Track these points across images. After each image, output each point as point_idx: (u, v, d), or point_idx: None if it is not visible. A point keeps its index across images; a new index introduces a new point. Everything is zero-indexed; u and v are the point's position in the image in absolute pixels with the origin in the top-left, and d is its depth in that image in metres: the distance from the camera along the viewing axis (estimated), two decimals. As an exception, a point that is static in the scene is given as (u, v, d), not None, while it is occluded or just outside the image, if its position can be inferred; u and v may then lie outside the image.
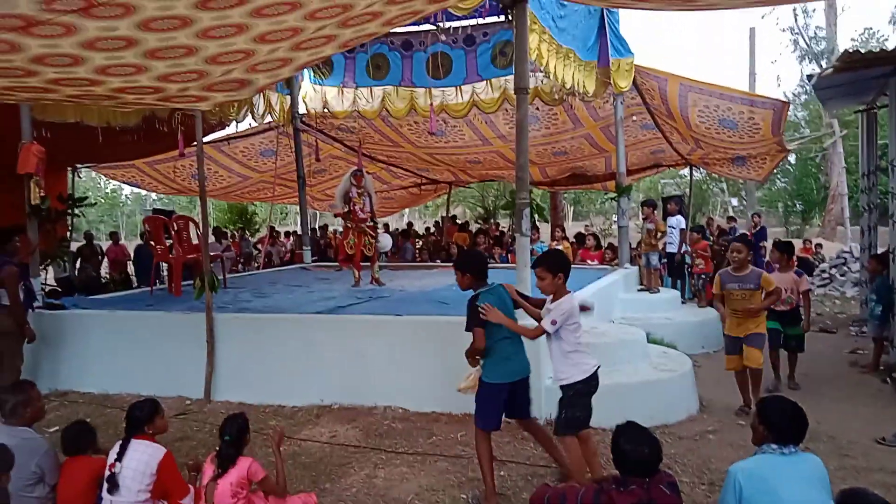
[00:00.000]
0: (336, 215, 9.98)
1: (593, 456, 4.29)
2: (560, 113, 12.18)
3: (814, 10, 27.66)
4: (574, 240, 14.14)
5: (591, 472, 4.15)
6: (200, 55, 4.36)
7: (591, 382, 4.21)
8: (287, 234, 20.33)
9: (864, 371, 7.83)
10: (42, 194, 7.64)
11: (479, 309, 4.25)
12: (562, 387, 4.22)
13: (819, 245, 18.12)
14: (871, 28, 52.91)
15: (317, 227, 21.05)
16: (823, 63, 25.40)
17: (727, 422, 5.94)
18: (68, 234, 11.05)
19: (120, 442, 3.72)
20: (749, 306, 6.16)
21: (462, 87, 10.94)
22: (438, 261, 14.59)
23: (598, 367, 4.27)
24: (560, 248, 12.57)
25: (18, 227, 7.40)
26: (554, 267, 4.21)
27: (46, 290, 8.95)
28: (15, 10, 3.26)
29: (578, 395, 4.19)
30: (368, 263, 9.48)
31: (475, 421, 4.40)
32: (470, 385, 4.45)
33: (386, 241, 10.11)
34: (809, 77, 9.56)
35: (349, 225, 9.22)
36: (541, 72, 8.28)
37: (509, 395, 4.34)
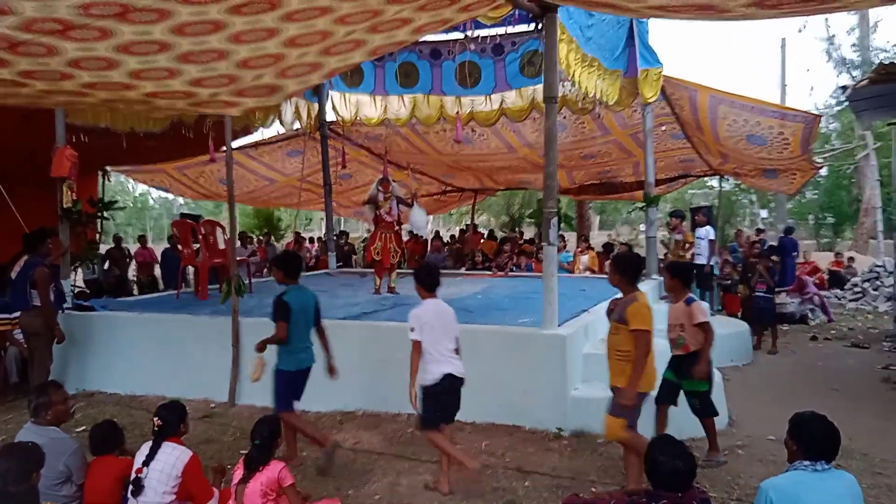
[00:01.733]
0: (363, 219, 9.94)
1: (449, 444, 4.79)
2: (588, 122, 12.14)
3: (852, 28, 27.23)
4: (602, 249, 14.03)
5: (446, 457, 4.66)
6: (231, 59, 4.40)
7: (438, 387, 4.59)
8: (311, 239, 20.44)
9: (898, 388, 7.67)
10: (74, 197, 7.76)
11: (286, 304, 5.04)
12: (420, 387, 4.65)
13: (851, 258, 17.81)
14: (905, 39, 52.08)
15: (340, 231, 21.13)
16: (857, 74, 25.02)
17: (756, 436, 5.83)
18: (98, 236, 11.21)
19: (150, 444, 3.74)
20: (617, 348, 4.65)
21: (491, 95, 10.94)
22: (463, 269, 14.56)
23: (454, 375, 4.63)
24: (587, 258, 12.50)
25: (50, 229, 7.53)
26: (420, 279, 4.82)
27: (75, 291, 9.07)
28: (53, 14, 3.31)
29: (427, 397, 4.63)
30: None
31: (275, 407, 5.08)
32: (257, 373, 5.08)
33: (420, 217, 9.79)
34: (843, 88, 9.42)
35: (378, 230, 9.24)
36: (569, 81, 8.24)
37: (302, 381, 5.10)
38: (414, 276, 4.98)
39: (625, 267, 4.63)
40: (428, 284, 4.80)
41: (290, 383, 5.14)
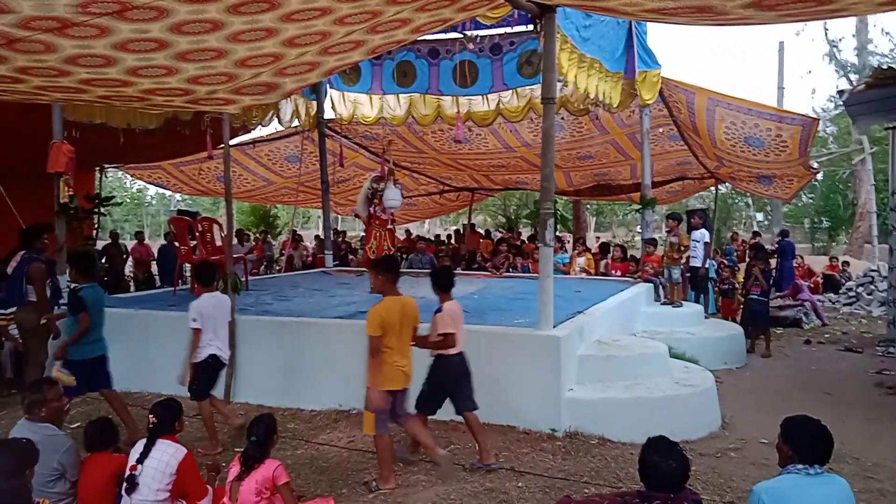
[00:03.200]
0: (358, 217, 9.86)
1: (210, 419, 5.62)
2: (585, 122, 12.15)
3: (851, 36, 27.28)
4: (598, 250, 14.06)
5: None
6: (230, 58, 4.41)
7: (205, 364, 5.58)
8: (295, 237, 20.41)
9: (891, 392, 7.69)
10: (71, 193, 7.74)
11: (81, 299, 5.52)
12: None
13: (846, 263, 17.86)
14: (903, 44, 52.06)
15: (338, 229, 21.13)
16: (854, 79, 25.09)
17: (749, 439, 5.85)
18: (94, 232, 11.19)
19: (144, 441, 3.74)
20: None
21: (488, 95, 10.96)
22: (458, 269, 14.57)
23: (218, 355, 5.63)
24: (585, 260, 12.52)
25: (47, 224, 7.51)
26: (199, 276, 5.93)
27: (71, 287, 9.04)
28: (52, 13, 3.31)
29: (196, 372, 5.55)
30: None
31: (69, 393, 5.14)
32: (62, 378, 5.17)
33: (394, 195, 9.22)
34: (840, 93, 9.44)
35: (372, 228, 9.22)
36: (560, 81, 8.26)
37: (90, 369, 5.54)
38: (193, 274, 6.02)
39: (383, 269, 4.87)
40: (203, 281, 5.86)
41: (82, 371, 5.47)
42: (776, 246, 14.88)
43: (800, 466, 2.96)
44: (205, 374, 5.59)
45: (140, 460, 3.66)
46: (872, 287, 15.19)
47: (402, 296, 4.82)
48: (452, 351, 5.00)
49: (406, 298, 4.82)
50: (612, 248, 13.65)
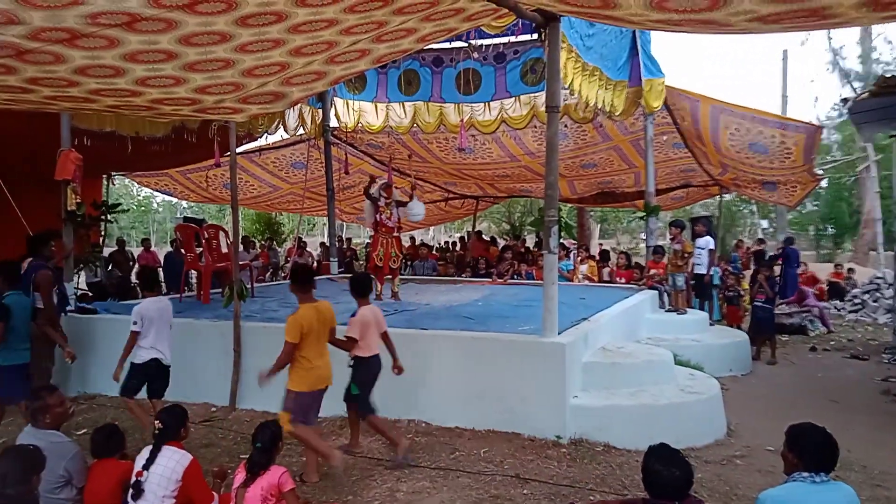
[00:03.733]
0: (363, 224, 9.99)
1: (144, 414, 5.72)
2: (589, 129, 12.17)
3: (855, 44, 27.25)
4: (598, 257, 14.07)
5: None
6: (237, 68, 4.45)
7: (146, 366, 5.75)
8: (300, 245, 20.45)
9: (897, 400, 7.67)
10: (78, 200, 7.80)
11: (6, 307, 5.62)
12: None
13: (851, 270, 17.82)
14: (907, 52, 51.97)
15: (343, 237, 21.15)
16: (858, 87, 25.07)
17: (755, 447, 5.84)
18: (101, 239, 11.24)
19: (150, 448, 3.76)
20: None
21: (490, 103, 10.99)
22: (464, 276, 14.59)
23: (158, 359, 5.79)
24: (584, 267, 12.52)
25: (54, 231, 7.56)
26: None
27: (78, 294, 9.10)
28: (62, 24, 3.35)
29: (133, 372, 5.75)
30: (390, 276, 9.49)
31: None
32: None
33: (418, 209, 9.97)
34: (844, 101, 9.45)
35: (378, 235, 9.26)
36: (565, 89, 8.29)
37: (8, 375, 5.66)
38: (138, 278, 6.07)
39: (296, 278, 5.17)
40: (147, 285, 6.13)
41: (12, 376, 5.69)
42: (780, 250, 14.89)
43: (805, 474, 2.96)
44: (141, 375, 5.79)
45: (146, 466, 3.67)
46: (878, 294, 15.15)
47: (317, 301, 5.07)
48: (368, 353, 5.36)
49: (321, 304, 5.08)
50: (617, 256, 13.66)
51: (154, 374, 5.83)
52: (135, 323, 5.68)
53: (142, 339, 5.72)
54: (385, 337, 5.54)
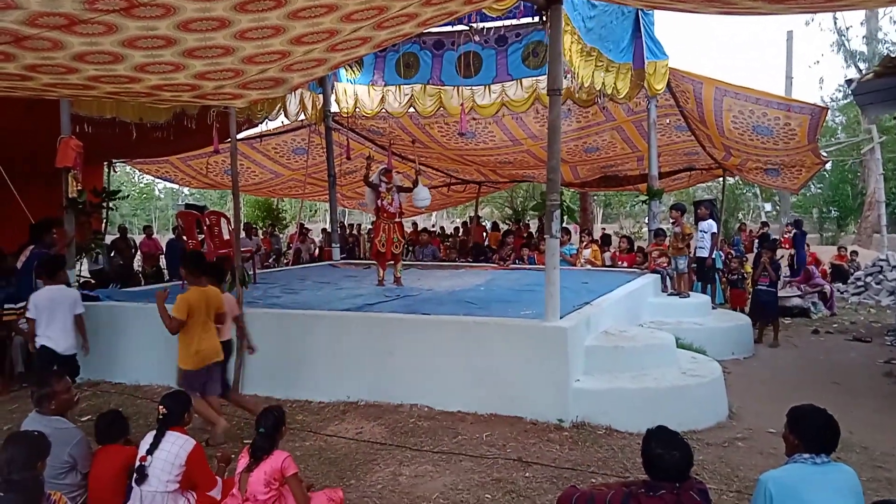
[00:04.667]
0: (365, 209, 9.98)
1: None
2: (593, 109, 12.03)
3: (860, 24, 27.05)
4: (600, 241, 14.06)
5: None
6: (237, 55, 4.43)
7: (38, 352, 5.95)
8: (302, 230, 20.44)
9: (899, 382, 7.68)
10: (79, 188, 7.79)
11: None
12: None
13: (854, 252, 17.78)
14: (912, 32, 51.57)
15: (345, 223, 21.14)
16: (863, 67, 24.89)
17: (756, 429, 5.85)
18: (103, 227, 11.25)
19: (154, 433, 3.78)
20: None
21: (491, 86, 10.90)
22: (467, 261, 14.59)
23: (49, 346, 5.90)
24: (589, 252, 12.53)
25: (55, 219, 7.56)
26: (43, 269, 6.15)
27: (80, 281, 9.12)
28: (59, 10, 3.33)
29: (32, 358, 6.02)
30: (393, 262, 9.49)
31: None
32: None
33: (424, 195, 10.02)
34: (849, 82, 9.37)
35: (380, 221, 9.25)
36: (572, 73, 8.25)
37: None
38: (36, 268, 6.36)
39: (186, 264, 5.73)
40: (47, 272, 6.09)
41: None
42: (792, 232, 15.04)
43: (806, 456, 2.97)
44: (37, 360, 6.03)
45: (150, 451, 3.70)
46: (881, 276, 15.13)
47: (207, 287, 5.52)
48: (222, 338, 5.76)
49: (210, 289, 5.53)
50: (619, 240, 13.65)
51: (48, 361, 5.92)
52: (28, 310, 6.00)
53: (36, 327, 5.94)
54: (237, 320, 6.06)
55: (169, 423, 3.82)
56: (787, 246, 15.97)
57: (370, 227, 21.20)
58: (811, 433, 3.00)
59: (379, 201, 9.15)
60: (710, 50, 76.41)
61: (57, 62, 4.20)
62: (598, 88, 8.90)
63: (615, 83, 9.19)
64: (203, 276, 5.54)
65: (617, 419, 5.69)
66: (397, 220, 9.35)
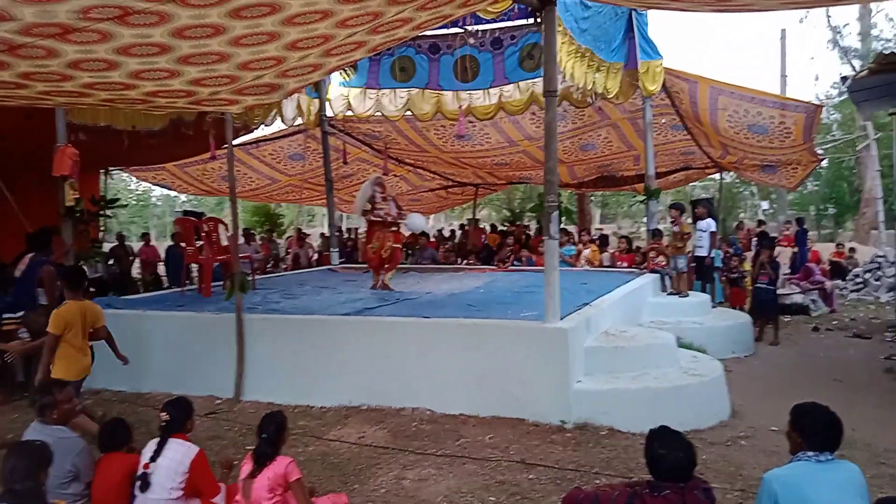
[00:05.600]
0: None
1: None
2: (588, 109, 12.08)
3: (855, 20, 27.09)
4: (598, 241, 14.06)
5: None
6: (232, 61, 4.42)
7: None
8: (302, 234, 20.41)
9: (900, 377, 7.68)
10: (76, 196, 7.77)
11: None
12: None
13: (853, 249, 17.81)
14: (906, 28, 51.61)
15: (343, 227, 21.11)
16: (858, 65, 24.92)
17: (759, 427, 5.85)
18: (101, 235, 11.23)
19: (157, 441, 3.77)
20: None
21: (489, 89, 10.93)
22: (465, 263, 14.58)
23: None
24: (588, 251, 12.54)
25: (53, 227, 7.54)
26: None
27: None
28: (53, 20, 3.33)
29: None
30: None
31: None
32: None
33: (418, 222, 9.94)
34: (844, 79, 9.40)
35: (374, 229, 9.19)
36: (563, 74, 8.26)
37: None
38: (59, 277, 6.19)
39: (62, 279, 5.74)
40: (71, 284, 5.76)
41: None
42: (796, 229, 15.48)
43: (810, 453, 2.96)
44: None
45: (153, 458, 3.68)
46: (880, 273, 15.16)
47: (83, 301, 5.57)
48: None
49: (86, 303, 5.60)
50: (618, 240, 13.66)
51: None
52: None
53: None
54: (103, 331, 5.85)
55: (171, 431, 3.80)
56: (786, 244, 16.01)
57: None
58: (814, 431, 2.99)
59: (375, 212, 9.06)
60: (706, 49, 76.56)
61: (51, 70, 4.19)
62: (589, 89, 8.91)
63: (605, 82, 9.19)
64: (79, 290, 5.55)
65: (619, 419, 5.68)
66: (393, 229, 9.25)
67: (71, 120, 8.06)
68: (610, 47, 9.32)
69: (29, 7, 3.18)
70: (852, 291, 14.95)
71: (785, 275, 14.65)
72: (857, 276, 15.58)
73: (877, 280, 15.03)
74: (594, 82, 8.89)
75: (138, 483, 3.66)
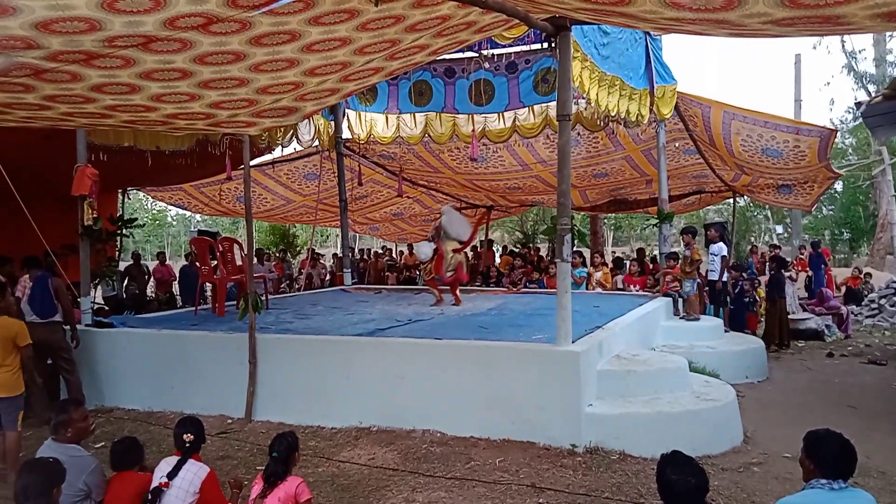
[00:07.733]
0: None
1: None
2: (601, 137, 12.16)
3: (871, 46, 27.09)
4: (612, 265, 14.03)
5: None
6: (252, 86, 4.51)
7: None
8: (317, 256, 20.52)
9: (916, 405, 7.59)
10: (95, 215, 7.89)
11: None
12: None
13: (868, 274, 17.66)
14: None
15: (356, 248, 21.22)
16: (873, 90, 24.89)
17: (772, 454, 5.80)
18: (117, 253, 11.35)
19: (176, 459, 3.80)
20: None
21: (504, 113, 11.04)
22: (478, 285, 14.59)
23: None
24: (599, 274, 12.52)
25: (70, 245, 7.64)
26: None
27: (95, 308, 9.19)
28: (79, 48, 3.41)
29: None
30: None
31: None
32: None
33: (426, 250, 10.14)
34: (858, 104, 9.40)
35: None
36: (583, 98, 8.32)
37: None
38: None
39: None
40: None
41: None
42: (811, 254, 15.74)
43: (823, 481, 2.94)
44: None
45: (171, 476, 3.71)
46: (895, 298, 15.01)
47: (2, 318, 5.52)
48: None
49: (5, 320, 5.52)
50: (630, 263, 13.63)
51: None
52: None
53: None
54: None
55: (195, 450, 3.84)
56: (800, 268, 15.91)
57: (379, 251, 21.39)
58: (828, 458, 2.96)
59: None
60: (719, 73, 76.69)
61: (75, 93, 4.29)
62: (621, 116, 8.98)
63: (639, 110, 9.28)
64: None
65: (630, 444, 5.65)
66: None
67: (92, 140, 8.21)
68: (638, 74, 9.40)
69: (56, 37, 3.27)
70: (867, 317, 14.81)
71: (801, 300, 14.56)
72: (872, 301, 15.43)
73: (892, 306, 14.88)
74: (626, 110, 8.95)
75: (149, 501, 3.68)
